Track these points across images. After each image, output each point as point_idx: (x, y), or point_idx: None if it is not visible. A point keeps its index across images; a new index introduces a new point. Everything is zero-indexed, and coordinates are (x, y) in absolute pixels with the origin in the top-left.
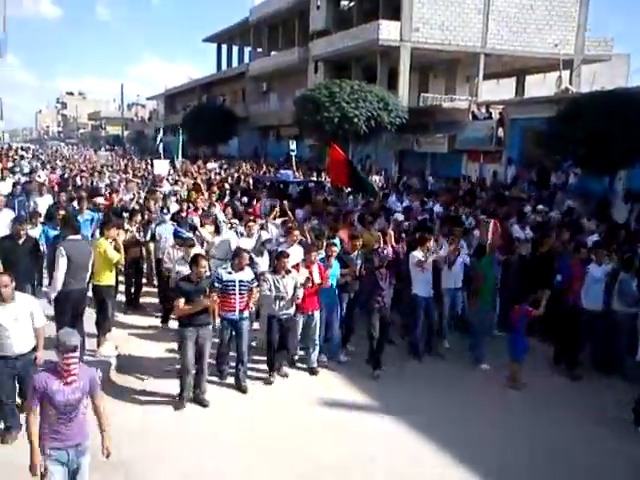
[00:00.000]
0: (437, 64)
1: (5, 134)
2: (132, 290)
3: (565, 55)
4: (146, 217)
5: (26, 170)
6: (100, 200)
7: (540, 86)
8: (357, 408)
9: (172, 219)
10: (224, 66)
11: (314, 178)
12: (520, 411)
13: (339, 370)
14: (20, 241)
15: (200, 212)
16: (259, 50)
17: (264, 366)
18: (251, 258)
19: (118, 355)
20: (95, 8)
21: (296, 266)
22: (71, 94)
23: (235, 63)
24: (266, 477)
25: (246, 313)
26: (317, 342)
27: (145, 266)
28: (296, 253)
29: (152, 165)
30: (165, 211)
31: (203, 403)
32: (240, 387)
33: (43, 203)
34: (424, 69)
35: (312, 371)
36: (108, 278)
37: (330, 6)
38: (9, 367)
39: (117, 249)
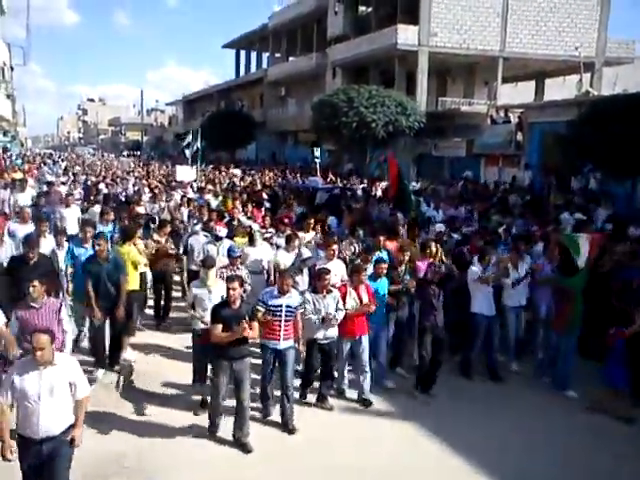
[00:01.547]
0: (455, 68)
1: (28, 140)
2: (162, 304)
3: (586, 57)
4: (176, 227)
5: (49, 178)
6: (140, 210)
7: (560, 89)
8: (400, 428)
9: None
10: (242, 72)
11: (340, 184)
12: (577, 439)
13: (385, 396)
14: (31, 262)
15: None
16: (277, 56)
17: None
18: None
19: (134, 361)
20: (113, 14)
21: (343, 287)
22: (92, 100)
23: (253, 69)
24: None
25: (291, 341)
26: (367, 369)
27: (179, 279)
28: (336, 269)
29: (173, 170)
30: (195, 221)
31: (247, 449)
32: (287, 425)
33: (70, 215)
34: (442, 73)
35: (364, 402)
36: (133, 283)
37: (348, 12)
38: (31, 453)
39: (139, 253)
